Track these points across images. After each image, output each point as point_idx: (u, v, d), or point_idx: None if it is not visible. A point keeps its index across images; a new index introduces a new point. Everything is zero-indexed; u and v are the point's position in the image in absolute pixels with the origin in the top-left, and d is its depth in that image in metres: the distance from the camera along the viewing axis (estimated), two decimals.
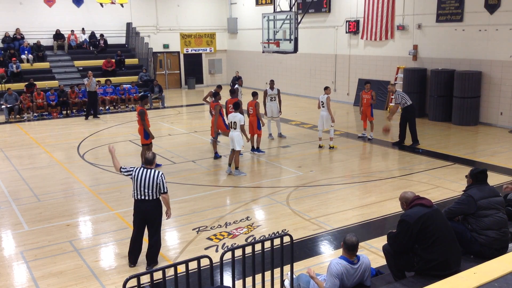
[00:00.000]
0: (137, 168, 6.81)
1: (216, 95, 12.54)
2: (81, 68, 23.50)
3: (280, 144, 14.30)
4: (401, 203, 5.41)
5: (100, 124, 18.13)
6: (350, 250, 4.97)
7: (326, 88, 13.62)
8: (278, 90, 14.79)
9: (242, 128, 11.09)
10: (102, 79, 21.66)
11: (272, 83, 14.88)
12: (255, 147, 13.20)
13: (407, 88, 18.37)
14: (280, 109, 14.69)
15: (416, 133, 13.69)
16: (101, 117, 19.35)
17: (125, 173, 6.87)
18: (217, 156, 12.61)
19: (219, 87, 13.72)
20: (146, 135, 11.39)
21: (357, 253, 5.09)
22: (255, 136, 13.11)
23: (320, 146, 13.74)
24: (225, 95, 15.49)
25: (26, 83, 20.42)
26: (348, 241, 4.98)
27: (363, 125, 14.89)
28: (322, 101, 13.40)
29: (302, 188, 10.35)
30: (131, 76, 23.65)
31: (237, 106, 11.38)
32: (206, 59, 29.38)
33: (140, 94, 11.71)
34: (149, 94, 21.32)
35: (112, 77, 22.59)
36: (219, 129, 12.59)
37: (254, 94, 13.29)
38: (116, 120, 18.90)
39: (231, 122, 11.16)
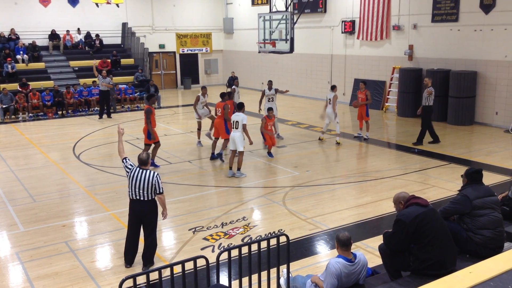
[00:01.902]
0: (133, 168, 6.80)
1: (223, 95, 12.75)
2: (76, 68, 23.43)
3: (277, 144, 14.28)
4: (396, 204, 5.35)
5: (96, 124, 18.09)
6: (345, 246, 4.98)
7: (334, 88, 14.09)
8: (276, 90, 14.83)
9: (244, 128, 10.89)
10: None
11: (270, 83, 14.90)
12: (215, 152, 12.67)
13: (403, 88, 18.44)
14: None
15: (424, 134, 13.77)
16: (94, 117, 19.27)
17: (125, 167, 6.86)
18: (213, 157, 12.60)
19: (204, 88, 14.12)
20: (149, 135, 11.40)
21: (355, 251, 5.10)
22: (222, 140, 12.60)
23: (320, 139, 14.49)
24: (216, 96, 15.45)
25: (20, 82, 20.36)
26: (342, 238, 4.99)
27: (359, 125, 14.93)
28: (329, 98, 13.88)
29: (298, 188, 10.36)
30: (127, 76, 23.59)
31: (240, 106, 11.23)
32: (202, 59, 29.36)
33: (148, 94, 11.88)
34: (156, 94, 21.41)
35: (108, 77, 22.51)
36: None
37: (223, 95, 12.81)
38: (112, 120, 18.86)
39: (233, 122, 11.02)
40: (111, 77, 20.02)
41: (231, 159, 11.22)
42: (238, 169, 11.15)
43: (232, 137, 10.99)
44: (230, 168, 11.23)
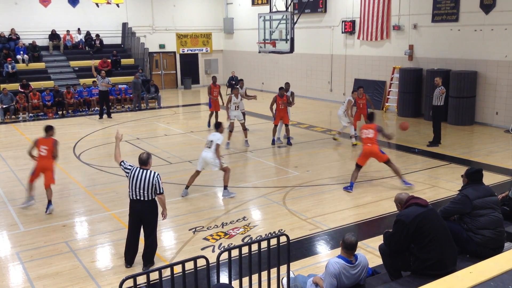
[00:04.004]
0: (133, 168, 6.80)
1: (281, 88, 13.83)
2: (76, 68, 23.43)
3: (276, 144, 14.27)
4: (396, 204, 5.43)
5: (96, 124, 18.09)
6: (348, 249, 4.97)
7: (353, 91, 14.49)
8: (292, 93, 14.75)
9: (217, 148, 9.63)
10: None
11: (287, 85, 14.74)
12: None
13: (403, 88, 18.44)
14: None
15: (440, 134, 13.76)
16: (94, 117, 19.27)
17: (124, 169, 6.86)
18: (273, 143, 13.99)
19: (236, 88, 14.53)
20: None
21: (356, 253, 5.09)
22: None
23: (334, 139, 14.61)
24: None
25: (20, 83, 20.39)
26: (347, 241, 4.97)
27: (354, 125, 14.79)
28: (343, 101, 14.33)
29: (299, 188, 10.36)
30: (127, 76, 23.56)
31: (218, 126, 10.11)
32: (202, 59, 29.36)
33: (369, 112, 10.86)
34: (156, 94, 21.50)
35: (108, 77, 22.51)
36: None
37: (281, 89, 13.91)
38: (112, 120, 18.85)
39: (207, 141, 9.89)
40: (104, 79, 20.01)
41: (191, 178, 10.02)
42: (225, 187, 9.95)
43: (203, 157, 9.76)
44: (187, 187, 10.07)
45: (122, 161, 6.96)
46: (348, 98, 14.08)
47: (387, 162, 10.21)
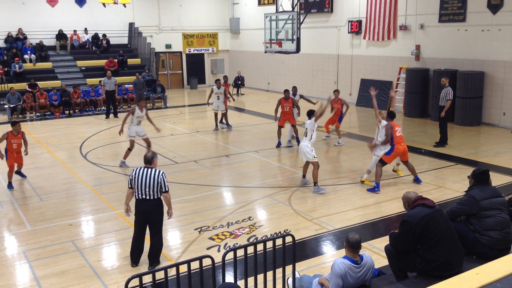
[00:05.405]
0: (136, 169, 6.82)
1: (286, 91, 13.82)
2: (83, 68, 23.54)
3: (283, 144, 14.27)
4: (404, 203, 5.43)
5: (103, 124, 18.16)
6: (353, 248, 4.97)
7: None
8: (301, 96, 14.63)
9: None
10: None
11: (294, 89, 14.63)
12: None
13: (409, 89, 18.38)
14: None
15: (446, 134, 13.66)
16: (100, 117, 19.35)
17: (129, 181, 6.86)
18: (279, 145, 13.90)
19: (142, 100, 12.99)
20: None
21: (361, 253, 5.09)
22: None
23: (393, 170, 11.30)
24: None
25: (28, 83, 20.52)
26: (352, 239, 4.97)
27: (327, 129, 14.66)
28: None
29: (304, 188, 10.34)
30: (133, 76, 23.59)
31: (310, 113, 10.28)
32: (208, 59, 29.40)
33: (390, 110, 10.31)
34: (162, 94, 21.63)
35: (114, 77, 22.58)
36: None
37: (286, 91, 13.79)
38: (118, 120, 18.91)
39: (305, 129, 10.19)
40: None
41: (304, 168, 10.53)
42: (315, 183, 10.07)
43: (300, 146, 10.34)
44: (304, 176, 10.57)
45: (128, 186, 6.92)
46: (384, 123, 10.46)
47: (407, 161, 10.35)
